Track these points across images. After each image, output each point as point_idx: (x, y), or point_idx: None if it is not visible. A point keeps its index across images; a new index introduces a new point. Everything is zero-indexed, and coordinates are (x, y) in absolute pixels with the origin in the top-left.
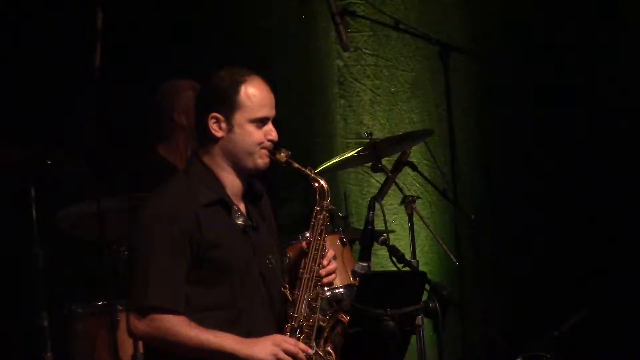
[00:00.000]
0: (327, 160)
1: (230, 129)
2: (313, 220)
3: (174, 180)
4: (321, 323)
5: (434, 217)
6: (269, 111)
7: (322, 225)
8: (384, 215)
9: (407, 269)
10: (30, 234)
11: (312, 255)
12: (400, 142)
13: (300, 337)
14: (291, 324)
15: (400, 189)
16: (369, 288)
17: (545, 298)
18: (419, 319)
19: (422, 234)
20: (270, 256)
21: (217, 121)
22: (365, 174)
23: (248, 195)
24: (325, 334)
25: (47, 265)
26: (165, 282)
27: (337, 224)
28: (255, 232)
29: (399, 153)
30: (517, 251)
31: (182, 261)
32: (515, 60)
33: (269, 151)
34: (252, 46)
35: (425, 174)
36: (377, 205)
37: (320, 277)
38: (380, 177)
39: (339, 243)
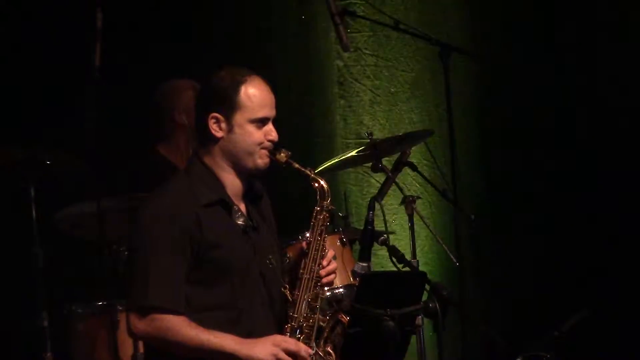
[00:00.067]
0: (327, 160)
1: (230, 129)
2: (313, 220)
3: (175, 180)
4: (321, 323)
5: (434, 217)
6: (269, 111)
7: (322, 225)
8: (384, 216)
9: (407, 269)
10: (30, 234)
11: (312, 256)
12: (400, 142)
13: (300, 337)
14: (291, 324)
15: (400, 189)
16: (369, 288)
17: (545, 298)
18: (419, 319)
19: (422, 234)
20: (270, 256)
21: (217, 121)
22: (365, 174)
23: (248, 195)
24: (325, 334)
25: (47, 265)
26: (166, 282)
27: (337, 224)
28: (256, 233)
29: (399, 153)
30: (517, 251)
31: (183, 261)
32: (515, 60)
33: (269, 151)
34: (252, 46)
35: (425, 174)
36: (377, 206)
37: (320, 278)
38: (380, 177)
39: (339, 243)
